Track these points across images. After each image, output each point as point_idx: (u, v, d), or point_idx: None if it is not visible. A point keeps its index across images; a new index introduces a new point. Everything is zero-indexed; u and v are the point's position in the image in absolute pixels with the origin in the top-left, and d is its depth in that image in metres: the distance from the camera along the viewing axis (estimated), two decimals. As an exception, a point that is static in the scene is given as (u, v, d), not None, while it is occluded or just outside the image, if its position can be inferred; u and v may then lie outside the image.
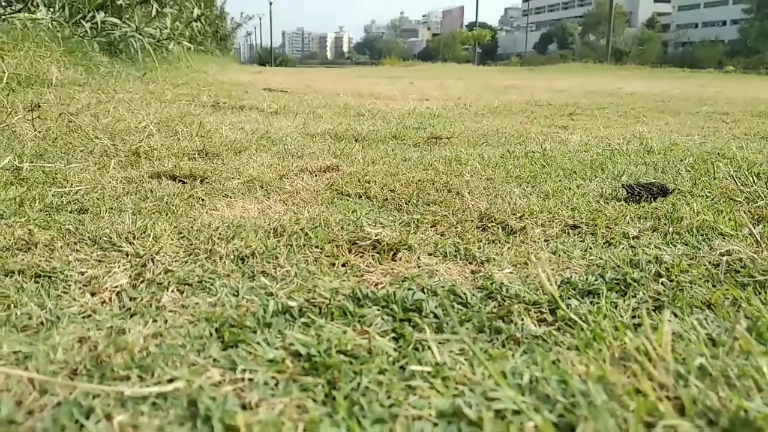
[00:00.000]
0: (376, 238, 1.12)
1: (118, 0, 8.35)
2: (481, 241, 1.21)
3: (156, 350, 0.66)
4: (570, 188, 1.69)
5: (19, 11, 6.94)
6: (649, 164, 2.06)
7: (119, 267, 0.94)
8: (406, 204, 1.48)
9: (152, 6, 9.58)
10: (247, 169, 1.86)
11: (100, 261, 0.97)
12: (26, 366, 0.62)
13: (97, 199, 1.39)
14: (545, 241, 1.22)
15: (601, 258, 1.11)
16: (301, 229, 1.17)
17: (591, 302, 0.89)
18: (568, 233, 1.27)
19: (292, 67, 27.45)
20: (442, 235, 1.23)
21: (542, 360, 0.67)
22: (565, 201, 1.52)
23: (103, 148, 2.19)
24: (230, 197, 1.51)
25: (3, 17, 6.44)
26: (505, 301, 0.88)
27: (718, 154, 2.42)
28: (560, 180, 1.82)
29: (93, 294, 0.83)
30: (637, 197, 1.50)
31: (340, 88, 7.42)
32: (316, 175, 1.82)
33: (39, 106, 2.88)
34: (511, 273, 1.01)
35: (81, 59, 6.51)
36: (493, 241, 1.21)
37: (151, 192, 1.50)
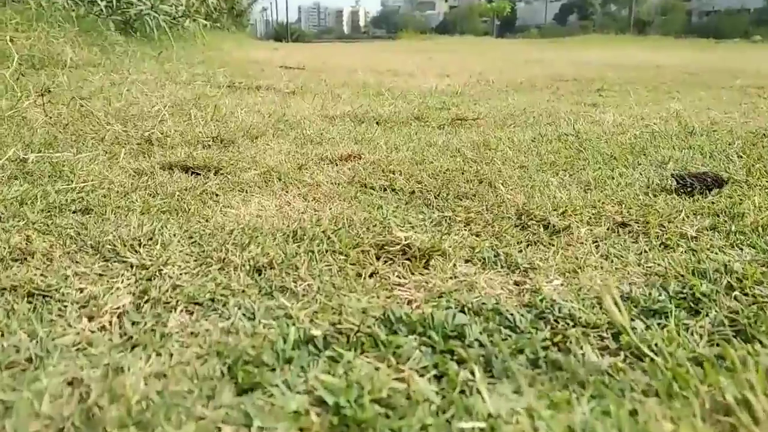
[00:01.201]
0: (406, 242, 1.00)
1: (132, -23, 8.21)
2: (521, 242, 1.09)
3: (158, 399, 0.56)
4: (612, 177, 1.55)
5: (34, -10, 6.85)
6: (693, 148, 1.91)
7: (122, 282, 0.84)
8: (435, 198, 1.36)
9: (168, -18, 9.45)
10: (264, 158, 1.75)
11: (101, 275, 0.87)
12: (4, 425, 0.52)
13: (104, 196, 1.29)
14: (593, 242, 1.10)
15: (659, 264, 0.98)
16: (323, 232, 1.06)
17: (658, 324, 0.77)
18: (618, 233, 1.15)
19: (309, 42, 27.14)
20: (477, 236, 1.12)
21: (617, 410, 0.56)
22: (609, 193, 1.39)
23: (115, 135, 2.09)
24: (246, 191, 1.40)
25: (18, -4, 6.36)
26: (558, 323, 0.77)
27: (764, 135, 2.25)
28: (600, 167, 1.69)
29: (91, 318, 0.73)
30: (689, 189, 1.36)
31: (358, 64, 7.26)
32: (336, 165, 1.70)
33: (49, 91, 2.79)
34: (561, 285, 0.90)
35: (96, 39, 6.42)
36: (535, 243, 1.09)
37: (162, 187, 1.39)
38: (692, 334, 0.75)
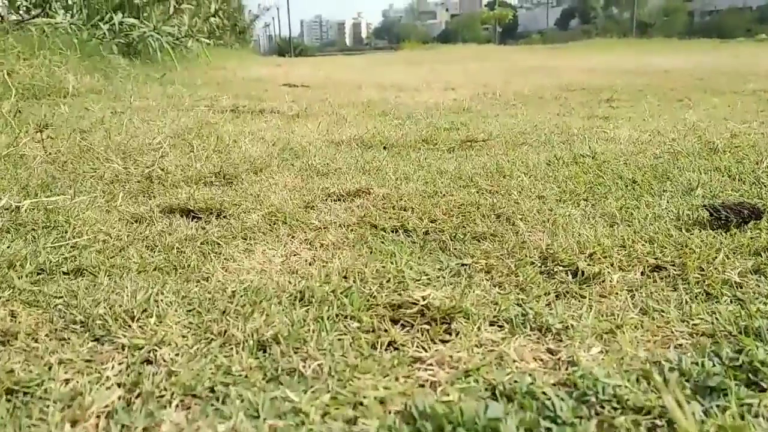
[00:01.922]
0: (424, 302, 0.91)
1: (135, -1, 8.22)
2: (549, 294, 1.00)
3: None
4: (638, 207, 1.46)
5: (37, 16, 6.86)
6: (720, 170, 1.81)
7: (112, 370, 0.75)
8: (451, 240, 1.27)
9: (170, 3, 9.46)
10: (268, 196, 1.67)
11: (89, 360, 0.78)
12: None
13: (98, 252, 1.21)
14: (628, 292, 1.00)
15: (705, 320, 0.89)
16: (333, 292, 0.97)
17: (718, 406, 0.67)
18: (653, 279, 1.05)
19: (312, 56, 27.21)
20: (500, 289, 1.03)
21: None
22: (637, 228, 1.30)
23: (114, 172, 2.02)
24: (249, 238, 1.32)
25: (23, 23, 6.35)
26: (604, 408, 0.68)
27: (791, 148, 2.15)
28: (623, 195, 1.59)
29: (74, 423, 0.65)
30: (724, 222, 1.27)
31: (362, 79, 7.20)
32: (345, 201, 1.62)
33: (47, 126, 2.73)
34: (600, 353, 0.81)
35: (99, 63, 6.40)
36: (565, 295, 1.00)
37: (161, 237, 1.31)
38: (757, 416, 0.66)
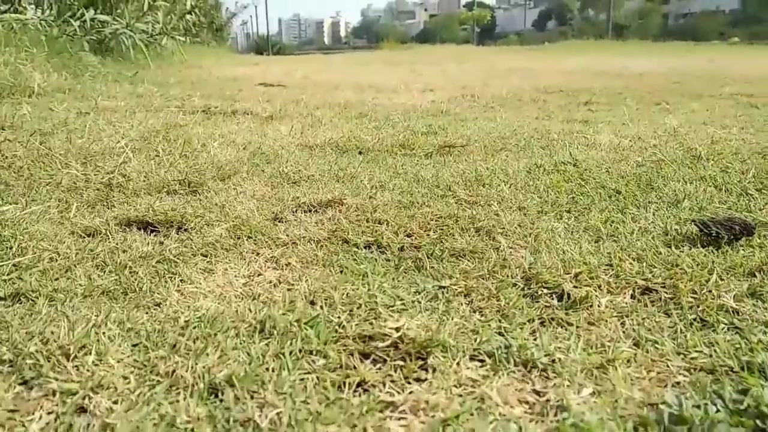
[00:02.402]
0: (398, 334, 0.83)
1: (107, -4, 8.01)
2: (533, 321, 0.92)
3: None
4: (623, 221, 1.39)
5: (6, 12, 6.63)
6: (706, 180, 1.76)
7: (38, 422, 0.65)
8: (428, 257, 1.19)
9: (144, 0, 9.25)
10: (234, 206, 1.57)
11: (13, 411, 0.68)
12: None
13: (41, 273, 1.10)
14: (619, 318, 0.93)
15: (703, 353, 0.82)
16: (297, 321, 0.88)
17: (725, 462, 0.60)
18: (645, 303, 0.98)
19: (290, 54, 26.98)
20: (481, 315, 0.94)
21: None
22: (624, 245, 1.23)
23: (72, 179, 1.90)
24: (210, 256, 1.22)
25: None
26: (599, 466, 0.60)
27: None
28: (607, 207, 1.52)
29: (-17, 495, 0.55)
30: (715, 238, 1.20)
31: (339, 79, 7.10)
32: (316, 212, 1.53)
33: (2, 129, 2.59)
34: (591, 396, 0.73)
35: (69, 60, 6.20)
36: (551, 322, 0.92)
37: (113, 255, 1.21)
38: (769, 473, 0.59)
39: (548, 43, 25.79)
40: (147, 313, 0.93)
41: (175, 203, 1.60)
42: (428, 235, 1.32)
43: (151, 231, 1.40)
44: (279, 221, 1.46)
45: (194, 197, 1.70)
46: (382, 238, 1.29)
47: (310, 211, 1.54)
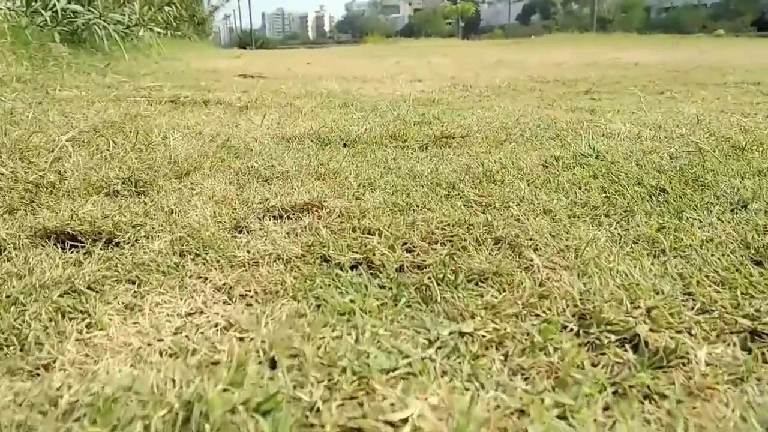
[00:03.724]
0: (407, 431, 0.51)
1: (80, -16, 7.61)
2: (604, 391, 0.60)
3: None
4: (685, 229, 1.08)
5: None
6: (762, 174, 1.46)
7: None
8: (437, 283, 0.87)
9: (121, -11, 8.86)
10: (185, 211, 1.24)
11: None
12: None
13: None
14: (733, 385, 0.62)
15: None
16: (245, 406, 0.56)
17: None
18: (759, 359, 0.67)
19: (273, 49, 26.47)
20: (526, 382, 0.63)
21: None
22: (699, 264, 0.92)
23: (-5, 178, 1.56)
24: (139, 283, 0.89)
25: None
26: None
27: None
28: (654, 209, 1.22)
29: None
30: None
31: (323, 71, 6.75)
32: (289, 219, 1.20)
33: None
34: None
35: (38, 51, 5.82)
36: (631, 392, 0.61)
37: (5, 284, 0.87)
38: None
39: (534, 37, 25.60)
40: (23, 382, 0.60)
41: (111, 207, 1.26)
42: (434, 249, 1.00)
43: (72, 246, 1.07)
44: (240, 231, 1.13)
45: (138, 200, 1.37)
46: (374, 254, 0.97)
47: (281, 217, 1.21)
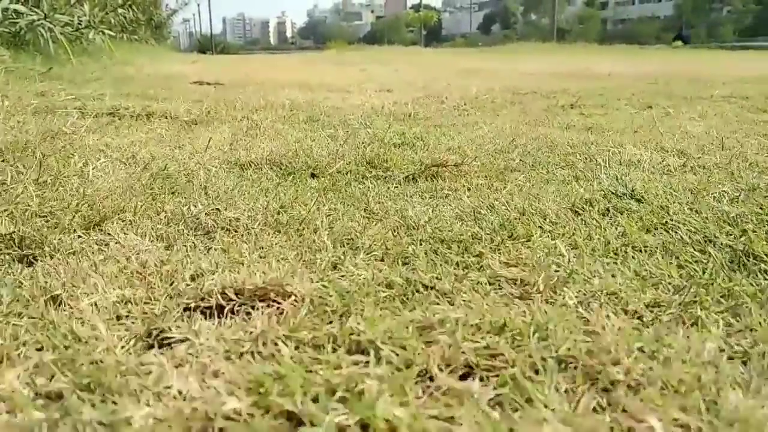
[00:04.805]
0: None
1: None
2: None
3: None
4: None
5: None
6: None
7: None
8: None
9: (69, -10, 8.28)
10: (77, 299, 0.82)
11: None
12: None
13: None
14: None
15: None
16: None
17: None
18: None
19: (234, 54, 25.80)
20: None
21: None
22: None
23: None
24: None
25: None
26: None
27: None
28: (761, 293, 0.85)
29: None
30: None
31: (285, 78, 6.31)
32: (233, 315, 0.79)
33: None
34: None
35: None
36: None
37: None
38: None
39: (498, 46, 25.62)
40: None
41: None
42: (470, 392, 0.61)
43: None
44: (151, 347, 0.71)
45: (12, 271, 0.93)
46: (372, 411, 0.56)
47: (220, 312, 0.79)
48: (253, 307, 0.79)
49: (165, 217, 1.26)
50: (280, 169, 1.75)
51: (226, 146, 2.11)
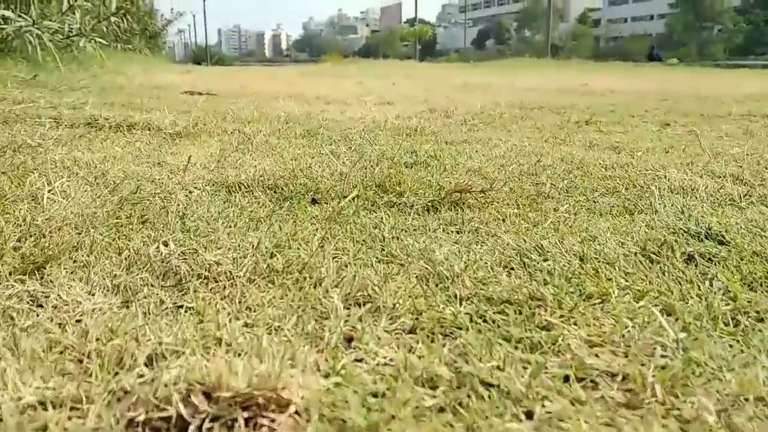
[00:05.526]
0: None
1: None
2: None
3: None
4: None
5: None
6: None
7: None
8: None
9: (63, -1, 8.04)
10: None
11: None
12: None
13: None
14: None
15: None
16: None
17: None
18: None
19: (229, 65, 25.57)
20: None
21: None
22: None
23: None
24: None
25: None
26: None
27: None
28: None
29: None
30: None
31: (281, 89, 6.04)
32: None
33: None
34: None
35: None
36: None
37: None
38: None
39: (493, 61, 25.55)
40: None
41: None
42: None
43: None
44: None
45: None
46: None
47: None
48: (232, 424, 0.52)
49: (127, 257, 0.98)
50: (275, 192, 1.48)
51: (212, 163, 1.84)
